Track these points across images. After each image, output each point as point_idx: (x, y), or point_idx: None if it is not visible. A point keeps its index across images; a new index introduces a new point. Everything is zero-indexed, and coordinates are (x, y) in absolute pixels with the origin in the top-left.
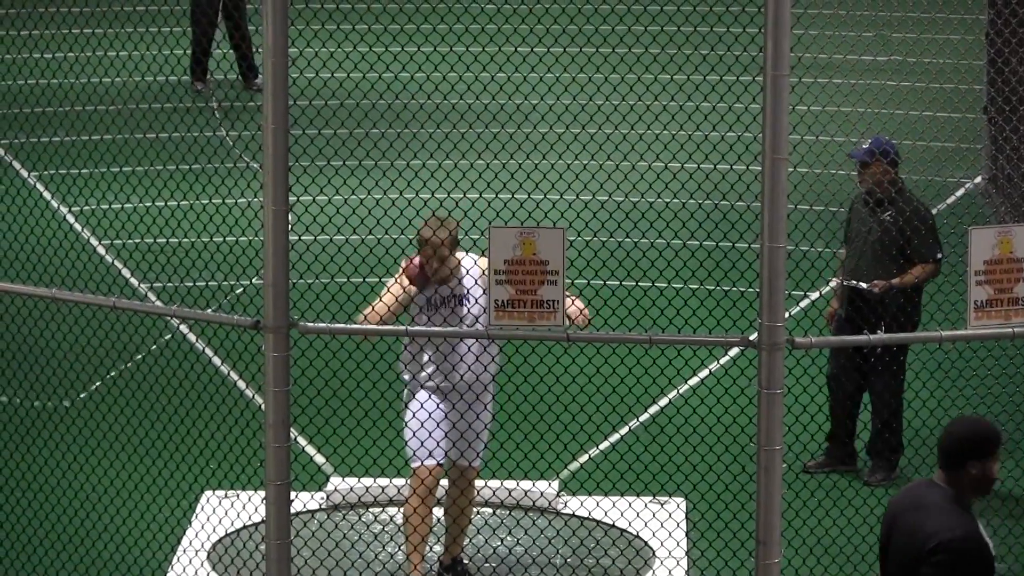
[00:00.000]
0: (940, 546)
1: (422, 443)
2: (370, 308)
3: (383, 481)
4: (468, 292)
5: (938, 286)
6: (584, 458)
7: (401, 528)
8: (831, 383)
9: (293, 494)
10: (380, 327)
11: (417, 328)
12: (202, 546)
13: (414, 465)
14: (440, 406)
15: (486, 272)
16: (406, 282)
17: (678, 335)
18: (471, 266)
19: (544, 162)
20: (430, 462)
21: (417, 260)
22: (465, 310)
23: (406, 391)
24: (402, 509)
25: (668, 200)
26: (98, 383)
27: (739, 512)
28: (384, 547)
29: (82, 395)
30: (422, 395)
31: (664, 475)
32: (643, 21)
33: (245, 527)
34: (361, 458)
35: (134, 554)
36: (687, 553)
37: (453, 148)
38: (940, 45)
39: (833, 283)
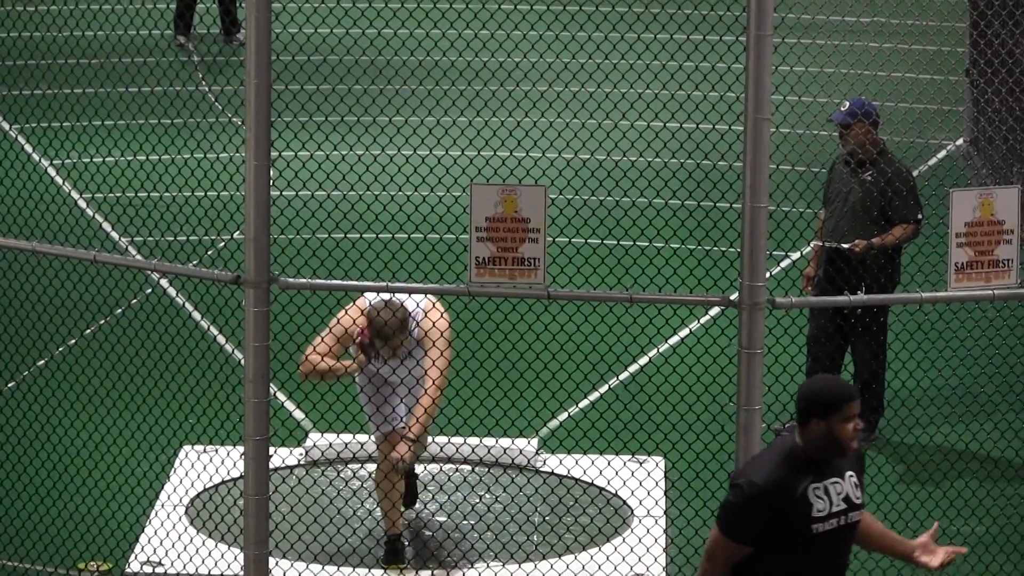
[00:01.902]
0: (736, 484)
1: (377, 410)
2: (310, 351)
3: (362, 437)
4: (411, 353)
5: (919, 248)
6: (563, 416)
7: (373, 493)
8: (811, 344)
9: (272, 449)
10: (360, 283)
11: (399, 285)
12: (180, 501)
13: (375, 434)
14: (384, 386)
15: (428, 333)
16: (340, 331)
17: (659, 294)
18: (414, 328)
19: (527, 119)
20: (387, 428)
21: (367, 332)
22: (406, 371)
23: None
24: (373, 475)
25: (650, 159)
26: (78, 337)
27: (718, 471)
28: (363, 503)
29: (60, 349)
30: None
31: (643, 434)
32: None
33: (224, 482)
34: (340, 414)
35: (112, 508)
36: (665, 512)
37: (435, 104)
38: (923, 7)
39: (813, 244)
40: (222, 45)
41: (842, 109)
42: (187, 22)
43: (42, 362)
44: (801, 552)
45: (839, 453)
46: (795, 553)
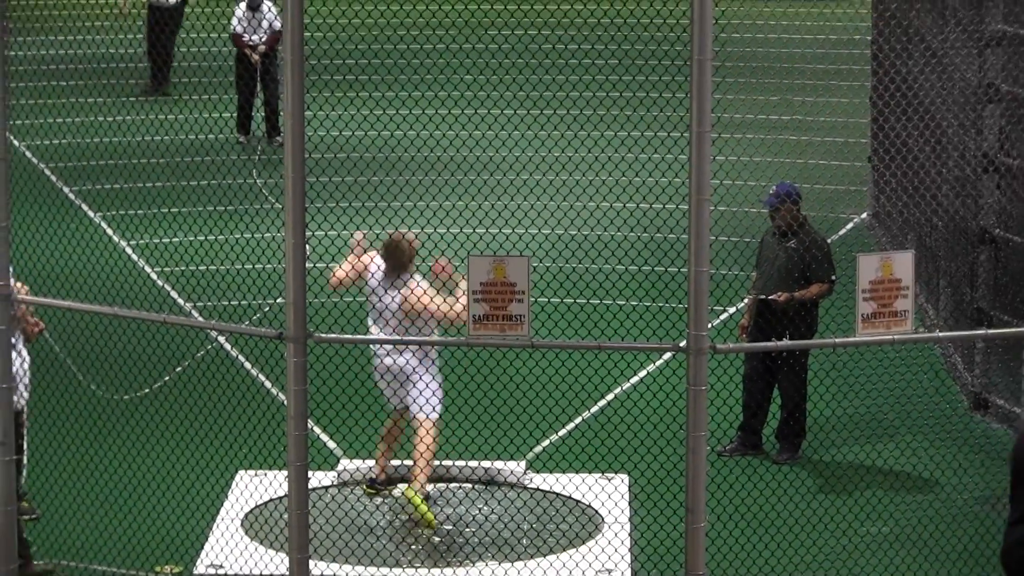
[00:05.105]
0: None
1: (394, 393)
2: (335, 270)
3: None
4: (406, 284)
5: (832, 302)
6: (546, 442)
7: (397, 500)
8: (746, 382)
9: (310, 473)
10: (380, 337)
11: (411, 338)
12: (237, 515)
13: (392, 413)
14: (389, 370)
15: (426, 291)
16: (358, 261)
17: (622, 342)
18: (417, 283)
19: (513, 203)
20: (402, 407)
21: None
22: (390, 298)
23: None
24: (379, 431)
25: (613, 233)
26: (155, 384)
27: (672, 486)
28: (384, 516)
29: (147, 390)
30: (374, 362)
31: (611, 456)
32: (592, 88)
33: (272, 500)
34: (365, 443)
35: (182, 521)
36: (630, 519)
37: (439, 191)
38: (833, 107)
39: (747, 300)
40: (265, 145)
41: (771, 193)
42: (246, 125)
43: (123, 404)
44: None
45: None
46: None
